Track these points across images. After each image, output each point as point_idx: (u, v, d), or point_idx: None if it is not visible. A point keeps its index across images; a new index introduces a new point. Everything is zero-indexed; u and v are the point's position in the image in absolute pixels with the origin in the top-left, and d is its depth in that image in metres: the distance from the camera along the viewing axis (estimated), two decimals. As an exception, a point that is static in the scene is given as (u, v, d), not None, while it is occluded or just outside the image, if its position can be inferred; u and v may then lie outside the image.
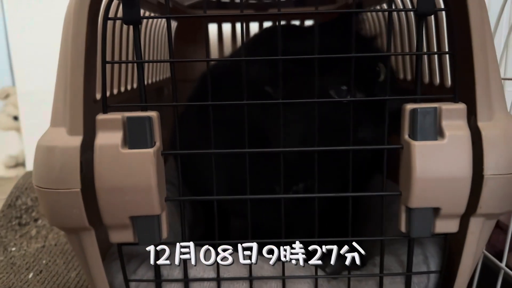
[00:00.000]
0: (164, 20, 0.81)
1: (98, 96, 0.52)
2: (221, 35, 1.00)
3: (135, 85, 0.63)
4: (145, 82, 0.77)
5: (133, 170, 0.40)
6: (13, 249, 0.74)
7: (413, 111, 0.40)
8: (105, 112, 0.41)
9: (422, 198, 0.41)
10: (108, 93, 0.52)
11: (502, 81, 0.59)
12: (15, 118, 1.46)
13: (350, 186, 0.43)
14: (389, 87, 0.43)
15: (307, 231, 0.56)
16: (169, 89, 0.95)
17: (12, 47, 0.94)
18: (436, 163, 0.40)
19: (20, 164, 1.48)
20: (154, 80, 0.84)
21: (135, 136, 0.40)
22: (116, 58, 0.55)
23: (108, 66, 0.52)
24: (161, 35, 0.83)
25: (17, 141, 1.48)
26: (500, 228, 0.64)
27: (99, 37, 0.43)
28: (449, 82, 0.52)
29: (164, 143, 0.42)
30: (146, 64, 0.76)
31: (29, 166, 1.15)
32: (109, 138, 0.40)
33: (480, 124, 0.41)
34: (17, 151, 1.48)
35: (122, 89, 0.56)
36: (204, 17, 0.40)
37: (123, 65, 0.59)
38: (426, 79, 0.58)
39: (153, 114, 0.41)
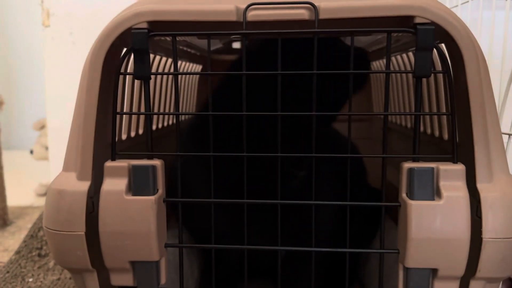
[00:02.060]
0: (188, 63, 0.85)
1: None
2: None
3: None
4: (163, 124, 0.80)
5: (135, 216, 0.42)
6: (30, 279, 0.77)
7: (411, 170, 0.40)
8: (113, 159, 0.44)
9: (419, 258, 0.40)
10: (125, 136, 0.55)
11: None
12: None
13: (348, 241, 0.43)
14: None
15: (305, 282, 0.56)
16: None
17: (46, 82, 1.00)
18: (433, 224, 0.40)
19: (50, 192, 1.54)
20: (174, 121, 0.88)
21: (138, 183, 0.42)
22: (135, 105, 0.58)
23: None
24: (186, 78, 0.86)
25: (49, 171, 1.54)
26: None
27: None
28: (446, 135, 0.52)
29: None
30: (166, 105, 0.79)
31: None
32: (115, 184, 0.42)
33: (479, 185, 0.40)
34: (48, 180, 1.54)
35: (133, 134, 0.58)
36: (209, 74, 0.42)
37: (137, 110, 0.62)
38: (429, 130, 0.58)
39: (157, 162, 0.43)
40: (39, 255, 0.84)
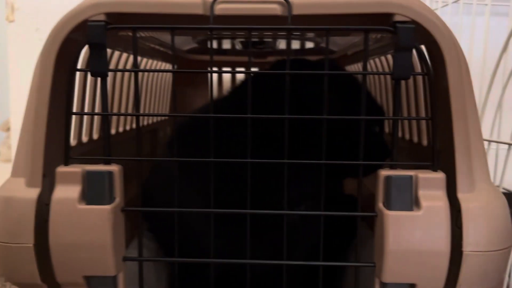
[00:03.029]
0: (161, 63, 0.81)
1: (73, 142, 0.51)
2: (221, 80, 1.00)
3: (112, 131, 0.62)
4: (131, 127, 0.76)
5: (89, 227, 0.38)
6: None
7: (388, 179, 0.38)
8: (66, 164, 0.40)
9: (396, 273, 0.38)
10: (74, 143, 0.51)
11: (496, 144, 0.57)
12: (16, 150, 1.47)
13: (321, 255, 0.41)
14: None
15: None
16: (164, 131, 0.94)
17: (11, 82, 0.95)
18: (411, 236, 0.37)
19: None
20: (148, 122, 0.84)
21: (93, 191, 0.38)
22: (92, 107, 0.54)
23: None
24: (159, 78, 0.83)
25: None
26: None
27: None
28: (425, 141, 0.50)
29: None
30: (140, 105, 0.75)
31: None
32: (67, 192, 0.38)
33: (460, 195, 0.38)
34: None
35: (96, 136, 0.54)
36: (174, 72, 0.38)
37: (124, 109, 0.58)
38: (407, 136, 0.56)
39: (114, 168, 0.39)
40: None
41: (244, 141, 0.39)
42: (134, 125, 0.73)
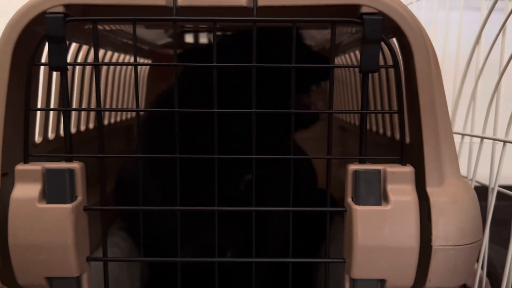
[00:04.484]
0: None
1: (39, 139, 0.50)
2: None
3: (82, 128, 0.61)
4: (113, 120, 0.74)
5: (50, 227, 0.37)
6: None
7: (356, 173, 0.37)
8: (26, 162, 0.38)
9: (365, 269, 0.37)
10: (40, 140, 0.49)
11: (469, 137, 0.57)
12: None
13: (290, 250, 0.40)
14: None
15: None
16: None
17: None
18: (380, 231, 0.36)
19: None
20: (122, 118, 0.82)
21: (53, 189, 0.37)
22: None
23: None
24: (126, 73, 0.81)
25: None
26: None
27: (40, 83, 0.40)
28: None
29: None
30: (113, 101, 0.73)
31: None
32: (26, 191, 0.37)
33: (429, 189, 0.38)
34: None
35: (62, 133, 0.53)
36: (136, 65, 0.37)
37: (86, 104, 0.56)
38: (381, 130, 0.55)
39: (75, 165, 0.38)
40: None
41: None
42: (119, 118, 0.71)
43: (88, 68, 0.61)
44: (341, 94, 0.85)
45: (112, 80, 0.72)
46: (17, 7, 0.83)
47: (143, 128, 0.56)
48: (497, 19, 0.55)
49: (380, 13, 0.36)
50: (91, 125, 0.63)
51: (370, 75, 0.38)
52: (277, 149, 0.46)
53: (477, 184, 0.56)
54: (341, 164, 0.86)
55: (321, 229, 0.65)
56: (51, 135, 0.52)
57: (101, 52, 0.67)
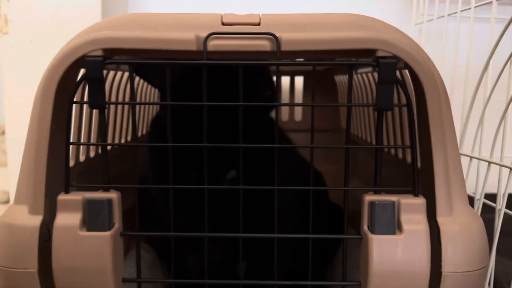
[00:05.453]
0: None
1: (71, 163, 0.53)
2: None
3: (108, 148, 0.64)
4: (125, 139, 0.78)
5: (90, 252, 0.40)
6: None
7: (372, 204, 0.40)
8: (67, 192, 0.42)
9: (380, 292, 0.40)
10: (73, 163, 0.53)
11: (477, 160, 0.59)
12: (10, 154, 1.47)
13: (310, 274, 0.43)
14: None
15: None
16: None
17: (5, 91, 0.96)
18: (394, 258, 0.39)
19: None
20: (142, 133, 0.85)
21: (93, 218, 0.40)
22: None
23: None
24: (142, 92, 0.84)
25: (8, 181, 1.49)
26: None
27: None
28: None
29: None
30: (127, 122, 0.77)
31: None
32: (68, 219, 0.40)
33: (439, 219, 0.41)
34: (7, 188, 1.48)
35: (82, 158, 0.56)
36: (168, 104, 0.40)
37: (93, 130, 0.59)
38: (393, 151, 0.58)
39: (113, 195, 0.41)
40: None
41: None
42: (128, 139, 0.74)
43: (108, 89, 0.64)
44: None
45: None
46: (40, 36, 0.87)
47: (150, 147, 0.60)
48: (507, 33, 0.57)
49: (394, 56, 0.39)
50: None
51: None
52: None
53: (484, 201, 0.59)
54: (353, 176, 0.89)
55: (332, 246, 0.68)
56: (81, 157, 0.55)
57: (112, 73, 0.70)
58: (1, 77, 0.96)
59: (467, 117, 0.57)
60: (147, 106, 0.82)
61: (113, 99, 0.59)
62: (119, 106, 0.64)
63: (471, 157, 0.58)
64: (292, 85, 0.99)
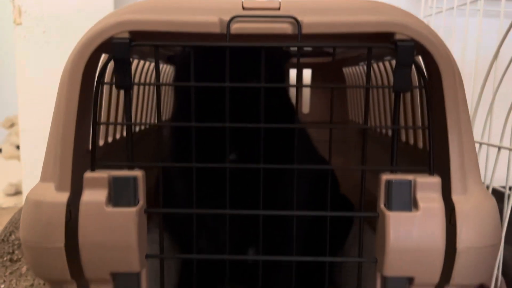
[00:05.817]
0: (163, 64, 0.84)
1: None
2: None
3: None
4: (140, 128, 0.79)
5: (116, 228, 0.41)
6: (2, 286, 0.75)
7: (389, 182, 0.41)
8: (93, 169, 0.43)
9: (396, 267, 0.41)
10: (102, 142, 0.54)
11: (486, 146, 0.61)
12: (18, 147, 1.49)
13: (327, 251, 0.44)
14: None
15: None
16: (168, 130, 0.97)
17: (17, 81, 0.97)
18: (410, 234, 0.41)
19: (19, 192, 1.50)
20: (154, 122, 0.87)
21: (119, 194, 0.42)
22: (112, 110, 0.57)
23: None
24: (165, 77, 0.85)
25: (19, 170, 1.50)
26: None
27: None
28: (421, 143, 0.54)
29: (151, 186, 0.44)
30: (147, 106, 0.78)
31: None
32: (94, 196, 0.42)
33: (454, 197, 0.42)
34: (17, 180, 1.50)
35: (117, 136, 0.57)
36: (192, 85, 0.42)
37: (119, 113, 0.61)
38: (403, 138, 0.59)
39: (138, 173, 0.42)
40: (10, 260, 0.82)
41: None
42: (142, 127, 0.76)
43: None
44: (356, 98, 0.89)
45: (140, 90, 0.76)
46: (53, 27, 0.88)
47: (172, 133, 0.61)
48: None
49: (411, 39, 0.41)
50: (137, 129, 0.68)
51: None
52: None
53: (499, 188, 0.60)
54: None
55: (341, 233, 0.69)
56: (100, 142, 0.57)
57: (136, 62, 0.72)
58: (12, 66, 0.97)
59: (476, 104, 0.58)
60: (167, 96, 0.83)
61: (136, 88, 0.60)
62: (143, 94, 0.66)
63: (481, 143, 0.59)
64: (300, 78, 1.01)
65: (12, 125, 1.48)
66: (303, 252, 0.61)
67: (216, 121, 0.43)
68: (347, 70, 0.95)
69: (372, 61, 0.71)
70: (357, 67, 0.87)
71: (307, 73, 1.03)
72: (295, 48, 0.70)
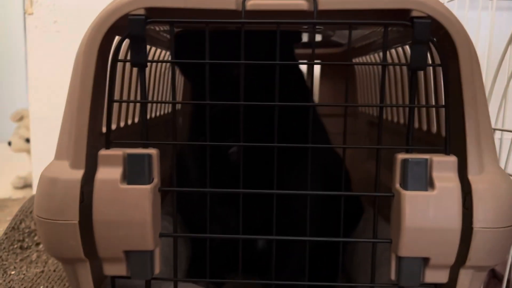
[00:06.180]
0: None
1: (104, 129, 0.55)
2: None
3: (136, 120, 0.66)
4: (158, 113, 0.79)
5: (130, 206, 0.41)
6: (13, 272, 0.75)
7: (405, 161, 0.41)
8: (107, 147, 0.43)
9: (412, 248, 0.41)
10: (114, 126, 0.54)
11: (500, 132, 0.60)
12: (27, 140, 1.50)
13: (341, 231, 0.44)
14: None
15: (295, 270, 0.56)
16: (183, 119, 0.97)
17: (28, 71, 0.98)
18: (426, 214, 0.40)
19: (28, 185, 1.51)
20: (167, 111, 0.87)
21: (134, 172, 0.42)
22: (125, 94, 0.57)
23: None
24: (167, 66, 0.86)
25: (27, 163, 1.51)
26: (497, 279, 0.63)
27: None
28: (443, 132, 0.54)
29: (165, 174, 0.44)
30: (158, 95, 0.78)
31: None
32: (109, 173, 0.42)
33: (471, 177, 0.42)
34: (26, 173, 1.51)
35: (129, 122, 0.58)
36: (206, 63, 0.42)
37: (131, 96, 0.61)
38: (425, 126, 0.59)
39: (153, 151, 0.42)
40: (21, 247, 0.82)
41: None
42: (161, 112, 0.76)
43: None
44: (366, 89, 0.89)
45: (156, 75, 0.76)
46: (64, 17, 0.89)
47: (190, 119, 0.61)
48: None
49: (428, 16, 0.40)
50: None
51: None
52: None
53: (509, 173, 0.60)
54: (369, 157, 0.90)
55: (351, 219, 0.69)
56: (121, 123, 0.57)
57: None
58: (21, 58, 0.98)
59: (490, 89, 0.58)
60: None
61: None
62: (154, 81, 0.66)
63: (495, 129, 0.59)
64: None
65: (21, 118, 1.49)
66: (314, 243, 0.61)
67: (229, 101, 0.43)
68: (356, 60, 0.95)
69: (379, 50, 0.71)
70: (367, 57, 0.87)
71: (316, 66, 1.02)
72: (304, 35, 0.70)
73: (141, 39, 0.41)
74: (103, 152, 0.42)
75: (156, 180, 0.42)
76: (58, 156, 0.44)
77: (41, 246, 0.83)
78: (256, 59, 0.42)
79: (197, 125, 0.58)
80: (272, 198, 0.44)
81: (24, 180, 1.51)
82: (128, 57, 0.50)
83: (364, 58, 0.91)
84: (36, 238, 0.85)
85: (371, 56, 0.84)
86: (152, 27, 0.57)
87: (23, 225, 0.87)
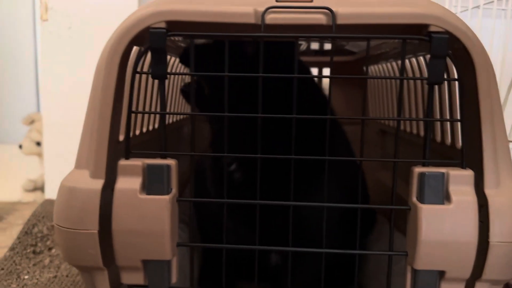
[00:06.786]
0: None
1: (121, 137, 0.55)
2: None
3: (156, 125, 0.66)
4: (171, 120, 0.80)
5: (149, 215, 0.42)
6: (26, 277, 0.76)
7: (421, 175, 0.41)
8: (127, 158, 0.44)
9: (427, 261, 0.41)
10: (137, 132, 0.55)
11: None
12: (38, 143, 1.51)
13: (357, 243, 0.44)
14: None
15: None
16: (189, 128, 0.98)
17: (41, 76, 0.99)
18: (442, 227, 0.41)
19: (39, 188, 1.52)
20: (175, 119, 0.88)
21: (153, 182, 0.42)
22: (140, 101, 0.58)
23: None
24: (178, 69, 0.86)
25: (38, 166, 1.53)
26: (510, 290, 0.63)
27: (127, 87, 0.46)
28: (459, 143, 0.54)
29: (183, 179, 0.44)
30: (168, 105, 0.79)
31: (48, 193, 1.19)
32: (128, 183, 0.42)
33: (487, 191, 0.42)
34: (36, 176, 1.52)
35: (144, 129, 0.58)
36: (226, 75, 0.42)
37: (148, 107, 0.62)
38: (439, 137, 0.59)
39: (171, 162, 0.43)
40: (34, 252, 0.83)
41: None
42: (172, 120, 0.76)
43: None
44: (377, 96, 0.89)
45: (173, 84, 0.77)
46: (78, 23, 0.90)
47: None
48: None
49: (446, 31, 0.41)
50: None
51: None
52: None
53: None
54: (382, 167, 0.90)
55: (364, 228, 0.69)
56: (137, 131, 0.57)
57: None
58: (33, 62, 0.99)
59: (504, 101, 0.58)
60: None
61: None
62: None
63: (509, 142, 0.59)
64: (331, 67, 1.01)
65: (32, 121, 1.51)
66: (329, 255, 0.61)
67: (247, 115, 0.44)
68: (369, 69, 0.95)
69: (394, 60, 0.71)
70: (378, 66, 0.87)
71: (326, 73, 1.03)
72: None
73: (162, 51, 0.42)
74: (123, 162, 0.43)
75: (174, 190, 0.43)
76: (78, 165, 0.45)
77: (53, 251, 0.84)
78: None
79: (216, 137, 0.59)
80: (286, 211, 0.44)
81: (35, 183, 1.52)
82: (141, 66, 0.51)
83: (376, 66, 0.91)
84: (48, 243, 0.85)
85: (383, 64, 0.84)
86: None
87: (35, 229, 0.88)
